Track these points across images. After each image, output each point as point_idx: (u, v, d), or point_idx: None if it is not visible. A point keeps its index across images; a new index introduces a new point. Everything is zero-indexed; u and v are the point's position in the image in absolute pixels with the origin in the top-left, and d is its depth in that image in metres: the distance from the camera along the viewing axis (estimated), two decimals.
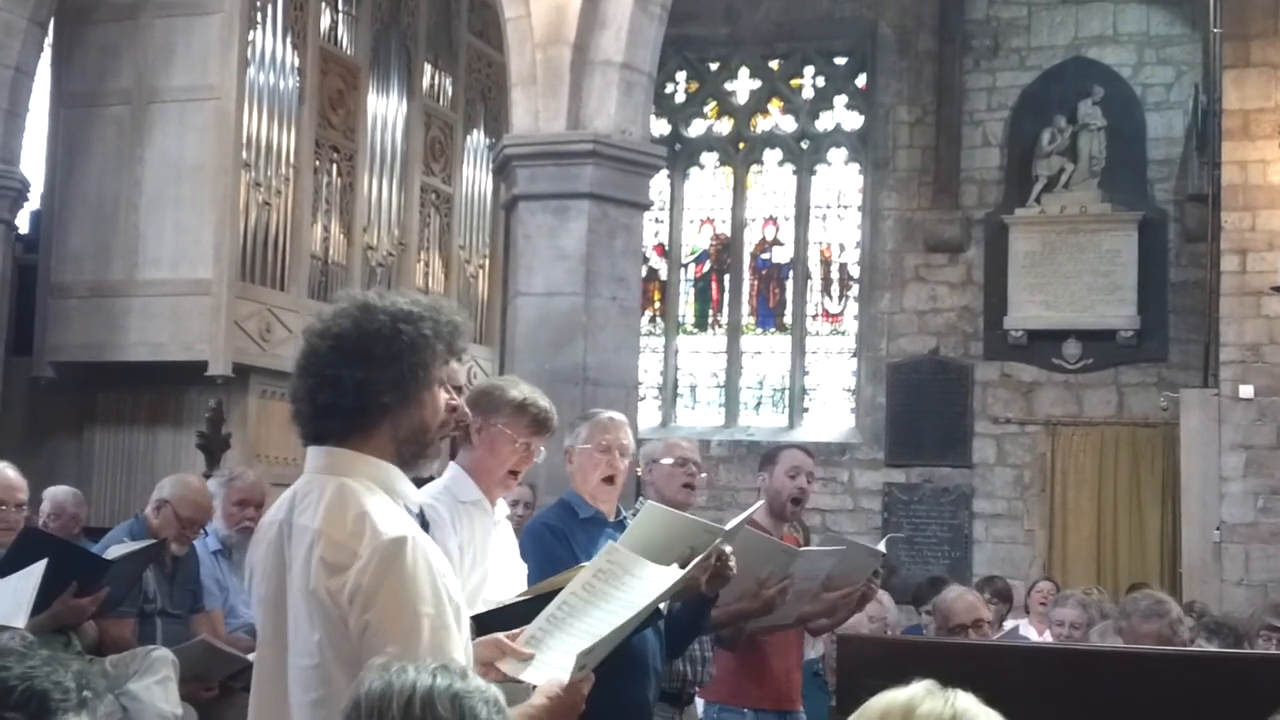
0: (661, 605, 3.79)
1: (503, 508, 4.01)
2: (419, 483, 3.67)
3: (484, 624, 3.18)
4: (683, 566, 3.68)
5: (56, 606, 5.04)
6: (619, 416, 4.49)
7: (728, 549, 3.94)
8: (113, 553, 5.51)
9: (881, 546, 5.42)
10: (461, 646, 2.53)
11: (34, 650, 1.60)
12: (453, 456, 4.00)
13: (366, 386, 2.60)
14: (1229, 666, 4.27)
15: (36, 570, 4.81)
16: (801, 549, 4.93)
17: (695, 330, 15.45)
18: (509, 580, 3.85)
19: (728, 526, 4.01)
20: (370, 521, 2.51)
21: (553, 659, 2.61)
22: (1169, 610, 5.21)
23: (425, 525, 3.40)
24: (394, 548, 2.48)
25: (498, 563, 3.86)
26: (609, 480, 4.37)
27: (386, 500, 2.59)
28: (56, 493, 7.20)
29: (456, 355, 2.75)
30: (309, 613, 2.53)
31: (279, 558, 2.62)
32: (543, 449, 3.99)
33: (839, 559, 5.06)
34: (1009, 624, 8.47)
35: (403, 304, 2.67)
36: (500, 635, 2.66)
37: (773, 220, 15.30)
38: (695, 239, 15.53)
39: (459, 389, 3.39)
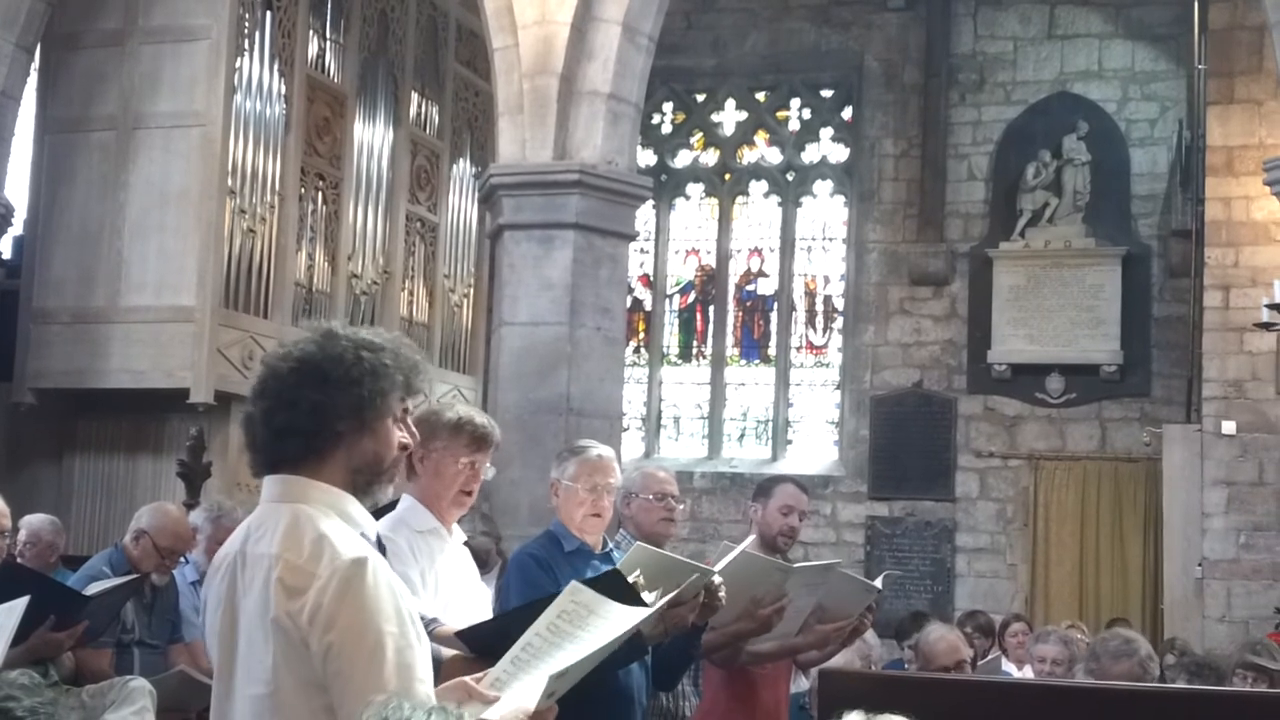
0: (648, 642, 3.78)
1: (459, 532, 3.99)
2: (376, 513, 3.67)
3: (467, 640, 3.19)
4: (670, 608, 3.65)
5: (33, 640, 4.99)
6: (608, 454, 4.45)
7: (717, 580, 3.92)
8: (93, 588, 5.44)
9: (878, 583, 5.38)
10: (425, 666, 2.53)
11: (40, 689, 1.62)
12: None
13: (323, 409, 2.60)
14: (1206, 704, 4.26)
15: (18, 608, 4.74)
16: (795, 565, 4.87)
17: (679, 361, 15.43)
18: (470, 604, 3.83)
19: (717, 567, 3.98)
20: (329, 544, 2.51)
21: (518, 701, 2.58)
22: (1138, 649, 5.19)
23: (384, 554, 3.38)
24: (354, 569, 2.48)
25: (457, 587, 3.83)
26: (594, 516, 4.35)
27: (343, 525, 2.59)
28: (34, 521, 7.07)
29: (414, 392, 2.75)
30: (264, 639, 2.52)
31: (233, 589, 2.62)
32: (490, 466, 3.96)
33: (833, 581, 5.03)
34: (991, 655, 8.46)
35: (366, 334, 2.70)
36: (466, 679, 2.64)
37: (758, 252, 15.33)
38: (680, 270, 15.53)
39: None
